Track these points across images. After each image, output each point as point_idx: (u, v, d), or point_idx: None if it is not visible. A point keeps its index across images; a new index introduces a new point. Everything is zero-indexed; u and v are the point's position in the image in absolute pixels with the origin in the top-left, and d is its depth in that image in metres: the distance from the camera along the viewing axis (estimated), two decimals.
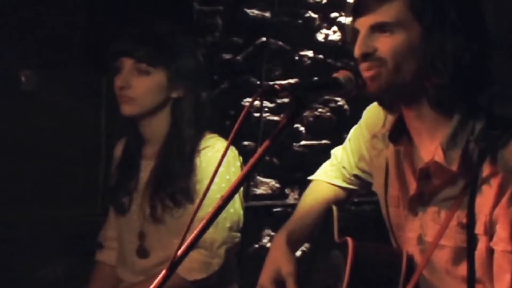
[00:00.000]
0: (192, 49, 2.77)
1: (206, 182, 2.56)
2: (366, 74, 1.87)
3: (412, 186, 1.98)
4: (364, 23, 1.88)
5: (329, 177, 2.37)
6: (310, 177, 2.45)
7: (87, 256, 2.97)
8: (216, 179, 2.55)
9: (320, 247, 2.29)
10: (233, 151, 2.72)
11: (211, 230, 2.44)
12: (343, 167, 2.33)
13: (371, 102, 2.18)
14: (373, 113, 2.19)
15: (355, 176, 2.32)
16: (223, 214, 2.30)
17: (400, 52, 1.84)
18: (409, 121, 1.97)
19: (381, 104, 2.05)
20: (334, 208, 2.27)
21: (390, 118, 2.07)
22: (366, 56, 1.86)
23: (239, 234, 2.70)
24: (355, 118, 2.39)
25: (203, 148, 2.68)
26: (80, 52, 3.55)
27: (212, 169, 2.56)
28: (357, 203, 4.01)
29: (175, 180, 2.65)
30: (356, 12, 1.91)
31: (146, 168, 2.76)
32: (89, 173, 3.48)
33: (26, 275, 3.41)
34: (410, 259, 1.99)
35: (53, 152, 3.45)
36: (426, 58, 1.83)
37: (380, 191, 2.13)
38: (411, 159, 1.99)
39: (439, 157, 1.86)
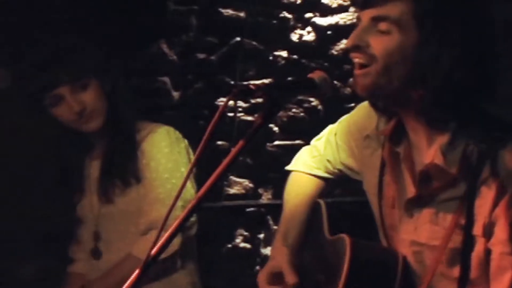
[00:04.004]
0: (95, 49, 2.83)
1: (152, 164, 2.75)
2: (356, 72, 1.88)
3: (410, 188, 1.98)
4: (366, 14, 1.88)
5: (309, 168, 2.38)
6: (288, 167, 2.46)
7: (62, 256, 2.97)
8: (163, 160, 2.74)
9: (306, 241, 2.30)
10: (176, 134, 2.84)
11: (163, 210, 2.55)
12: (327, 160, 2.34)
13: (345, 103, 2.19)
14: (364, 113, 2.19)
15: (339, 170, 2.34)
16: (174, 194, 2.39)
17: (392, 54, 1.83)
18: (408, 125, 1.97)
19: (374, 105, 2.04)
20: (322, 204, 2.28)
21: (383, 120, 2.08)
22: (356, 48, 1.87)
23: (194, 214, 2.75)
24: (329, 118, 2.41)
25: (147, 134, 2.79)
26: None
27: (156, 150, 2.75)
28: (339, 204, 4.00)
29: (124, 164, 2.76)
30: (362, 4, 1.90)
31: (94, 167, 2.87)
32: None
33: (1, 274, 3.39)
34: (405, 259, 1.99)
35: (27, 150, 3.43)
36: (417, 67, 1.82)
37: (372, 191, 2.13)
38: (410, 161, 1.99)
39: (438, 159, 1.86)
